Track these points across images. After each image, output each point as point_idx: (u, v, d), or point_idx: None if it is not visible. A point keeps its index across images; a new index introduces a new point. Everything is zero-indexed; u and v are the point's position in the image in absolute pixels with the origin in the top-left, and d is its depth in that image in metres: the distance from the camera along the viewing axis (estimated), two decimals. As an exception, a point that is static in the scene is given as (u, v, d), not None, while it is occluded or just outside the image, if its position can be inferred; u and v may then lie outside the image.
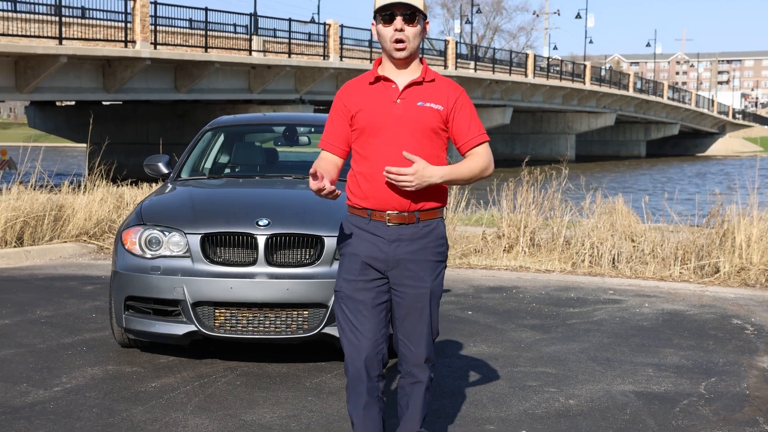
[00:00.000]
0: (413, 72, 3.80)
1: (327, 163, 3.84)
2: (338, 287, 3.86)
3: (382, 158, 3.71)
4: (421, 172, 3.64)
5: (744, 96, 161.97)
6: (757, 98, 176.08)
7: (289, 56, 35.88)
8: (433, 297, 3.84)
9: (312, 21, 48.53)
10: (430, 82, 3.81)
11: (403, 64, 3.78)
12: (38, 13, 27.14)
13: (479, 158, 3.81)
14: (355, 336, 3.79)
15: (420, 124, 3.74)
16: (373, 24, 3.79)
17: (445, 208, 3.91)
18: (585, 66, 61.30)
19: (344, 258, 3.86)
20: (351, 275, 3.81)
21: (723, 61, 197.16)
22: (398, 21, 3.69)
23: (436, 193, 3.80)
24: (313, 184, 3.57)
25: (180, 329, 5.70)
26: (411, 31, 3.72)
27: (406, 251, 3.77)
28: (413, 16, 3.71)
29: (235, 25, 34.52)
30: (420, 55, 3.82)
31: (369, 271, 3.79)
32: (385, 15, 3.70)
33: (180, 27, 32.40)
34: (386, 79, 3.78)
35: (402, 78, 3.79)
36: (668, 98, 76.41)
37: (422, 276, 3.80)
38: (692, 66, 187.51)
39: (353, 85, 3.86)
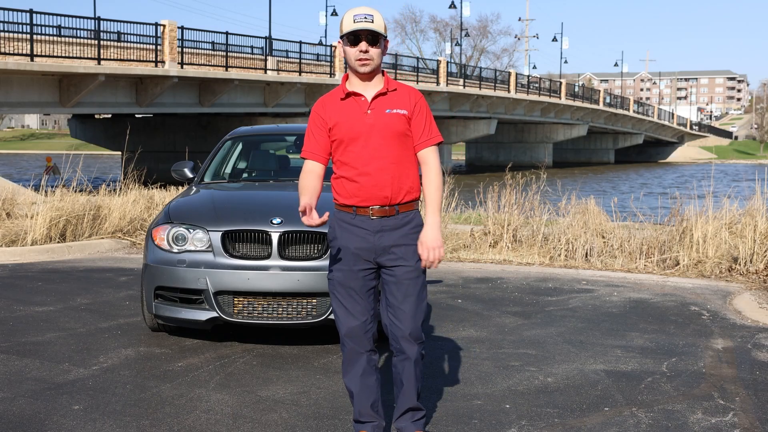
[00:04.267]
0: (377, 84, 3.82)
1: (312, 178, 3.85)
2: (331, 275, 3.86)
3: (361, 162, 3.76)
4: (431, 245, 3.71)
5: (700, 110, 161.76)
6: (711, 112, 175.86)
7: (300, 74, 35.86)
8: (417, 277, 3.82)
9: (320, 43, 48.36)
10: (393, 92, 3.83)
11: (367, 78, 3.80)
12: (79, 37, 27.18)
13: (434, 179, 3.80)
14: (347, 316, 3.82)
15: (389, 128, 3.78)
16: (339, 43, 3.80)
17: (419, 201, 3.92)
18: (561, 83, 61.25)
19: (335, 250, 3.86)
20: (343, 265, 3.82)
21: (681, 79, 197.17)
22: (363, 44, 3.72)
23: (411, 188, 3.83)
24: (306, 220, 3.59)
25: (203, 315, 5.68)
26: (374, 52, 3.74)
27: (390, 239, 3.79)
28: (375, 38, 3.74)
29: (252, 47, 34.50)
30: (381, 69, 3.85)
31: (359, 261, 3.80)
32: (351, 37, 3.72)
33: (204, 49, 32.44)
34: (356, 94, 3.81)
35: (369, 91, 3.81)
36: (634, 111, 76.37)
37: (407, 258, 3.80)
38: (654, 83, 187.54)
39: (327, 100, 3.88)
